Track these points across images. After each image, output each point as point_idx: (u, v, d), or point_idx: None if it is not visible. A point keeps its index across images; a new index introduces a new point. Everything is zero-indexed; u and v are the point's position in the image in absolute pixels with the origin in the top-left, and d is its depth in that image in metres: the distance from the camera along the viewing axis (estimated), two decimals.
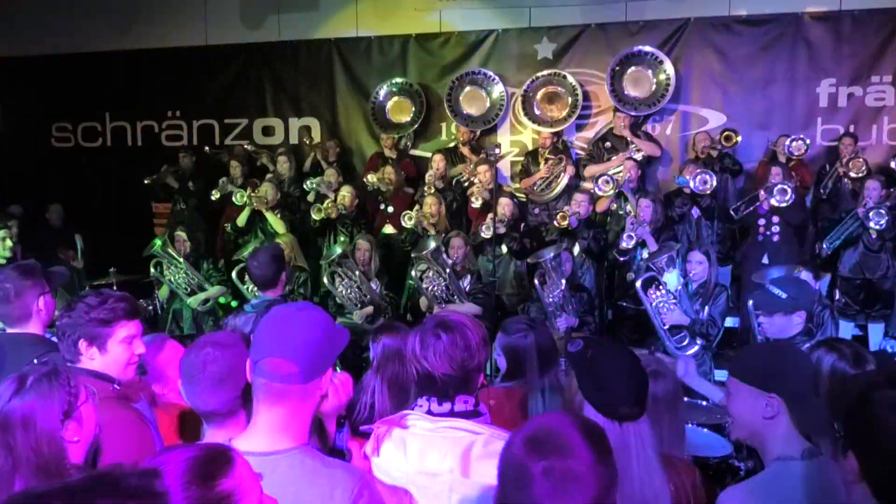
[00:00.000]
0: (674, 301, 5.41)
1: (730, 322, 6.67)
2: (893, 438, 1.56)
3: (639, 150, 7.95)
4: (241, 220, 7.88)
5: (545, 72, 8.58)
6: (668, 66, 8.17)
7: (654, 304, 5.47)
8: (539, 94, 8.59)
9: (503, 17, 8.86)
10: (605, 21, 8.53)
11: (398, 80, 9.07)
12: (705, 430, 4.04)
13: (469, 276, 6.52)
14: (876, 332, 6.96)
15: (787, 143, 7.31)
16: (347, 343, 1.93)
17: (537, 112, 8.58)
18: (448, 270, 6.27)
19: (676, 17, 8.31)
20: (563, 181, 8.01)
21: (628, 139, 8.05)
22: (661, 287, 5.45)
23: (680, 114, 8.45)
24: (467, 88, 8.82)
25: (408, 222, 7.46)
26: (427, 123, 9.15)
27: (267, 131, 9.76)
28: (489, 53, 8.89)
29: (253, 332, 2.09)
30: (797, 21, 8.02)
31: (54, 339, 3.59)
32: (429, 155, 8.72)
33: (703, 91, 8.38)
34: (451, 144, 8.84)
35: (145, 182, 9.09)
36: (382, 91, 9.07)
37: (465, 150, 8.55)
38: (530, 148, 8.78)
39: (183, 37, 9.67)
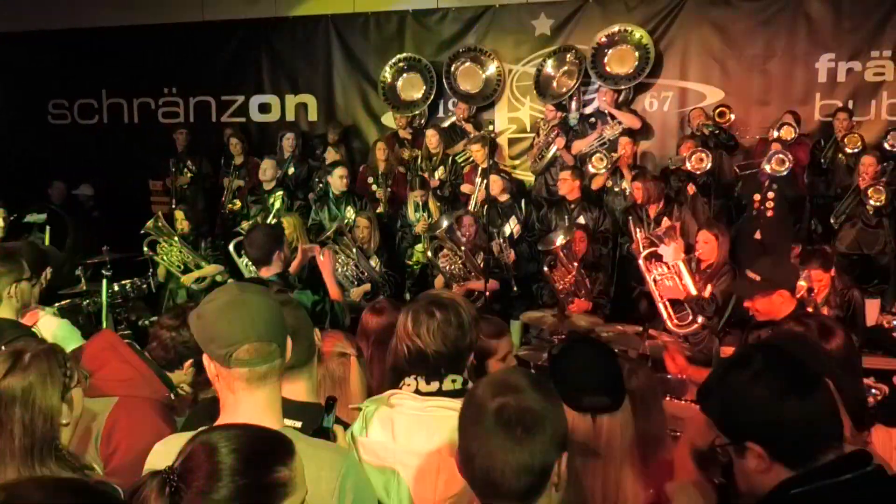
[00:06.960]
0: (671, 275, 5.42)
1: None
2: (768, 409, 1.60)
3: (619, 123, 7.85)
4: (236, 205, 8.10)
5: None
6: (647, 40, 8.04)
7: (652, 277, 5.51)
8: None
9: None
10: None
11: (405, 55, 8.90)
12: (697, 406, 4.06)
13: (482, 254, 6.54)
14: (872, 307, 6.95)
15: (776, 132, 7.27)
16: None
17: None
18: (463, 248, 6.33)
19: None
20: (552, 150, 7.97)
21: (608, 113, 7.98)
22: (660, 261, 5.49)
23: (677, 90, 8.38)
24: (467, 64, 8.72)
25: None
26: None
27: (263, 108, 9.69)
28: (486, 29, 8.79)
29: None
30: None
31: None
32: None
33: (701, 67, 8.29)
34: (448, 122, 8.73)
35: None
36: (389, 72, 8.85)
37: (469, 127, 8.52)
38: (528, 124, 8.73)
39: (180, 13, 9.54)
